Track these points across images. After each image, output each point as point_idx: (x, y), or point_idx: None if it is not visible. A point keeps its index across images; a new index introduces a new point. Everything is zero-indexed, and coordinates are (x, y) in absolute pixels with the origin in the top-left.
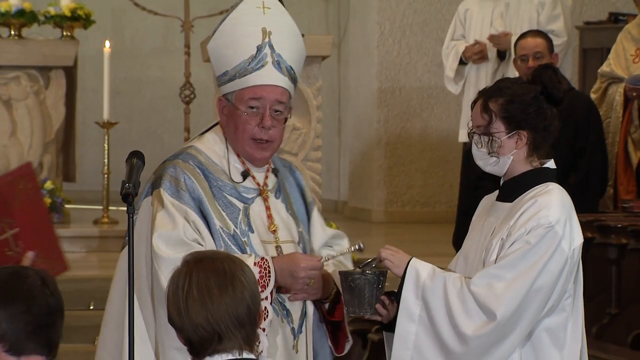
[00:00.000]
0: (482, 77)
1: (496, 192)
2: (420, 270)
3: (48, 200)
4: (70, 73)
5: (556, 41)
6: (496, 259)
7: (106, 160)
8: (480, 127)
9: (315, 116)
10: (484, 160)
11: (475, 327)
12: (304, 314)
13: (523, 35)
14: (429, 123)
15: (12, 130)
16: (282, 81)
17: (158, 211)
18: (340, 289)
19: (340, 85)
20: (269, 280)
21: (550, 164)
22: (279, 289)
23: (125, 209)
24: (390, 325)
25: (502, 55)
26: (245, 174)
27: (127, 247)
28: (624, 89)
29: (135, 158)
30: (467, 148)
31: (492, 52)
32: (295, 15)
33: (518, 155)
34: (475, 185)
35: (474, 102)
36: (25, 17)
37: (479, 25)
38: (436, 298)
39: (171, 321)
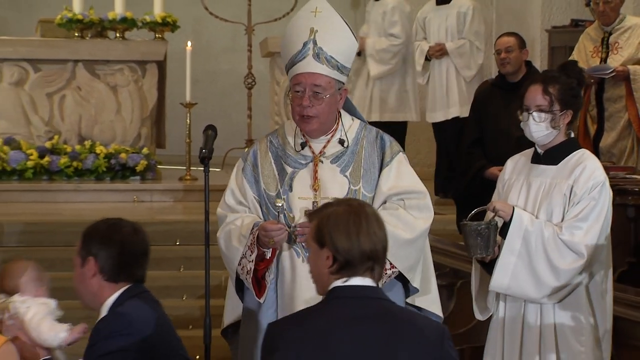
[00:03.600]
0: (443, 70)
1: (520, 155)
2: (523, 217)
3: (144, 162)
4: (161, 66)
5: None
6: (564, 210)
7: (188, 132)
8: (542, 106)
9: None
10: (538, 131)
11: (566, 263)
12: None
13: (500, 36)
14: None
15: (118, 109)
16: (319, 68)
17: None
18: (467, 237)
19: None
20: (254, 247)
21: (573, 134)
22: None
23: (202, 168)
24: (488, 264)
25: (428, 59)
26: (303, 144)
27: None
28: None
29: (210, 130)
30: (455, 126)
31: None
32: None
33: (562, 129)
34: (468, 150)
35: (526, 87)
36: (127, 23)
37: (436, 30)
38: (535, 239)
39: (334, 244)
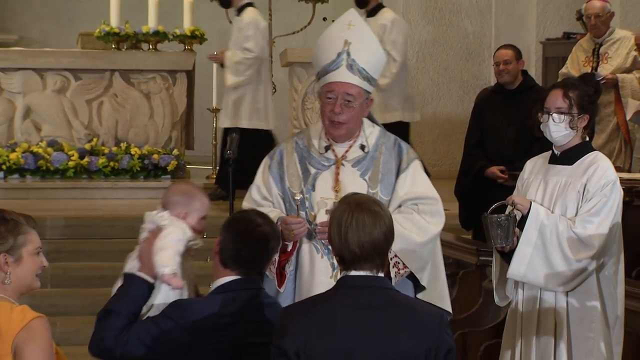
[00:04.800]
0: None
1: (538, 157)
2: (539, 211)
3: (175, 162)
4: (190, 75)
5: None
6: (578, 206)
7: (214, 135)
8: (562, 108)
9: None
10: (557, 132)
11: (579, 254)
12: None
13: (498, 48)
14: (437, 108)
15: (151, 114)
16: (352, 79)
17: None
18: (488, 229)
19: None
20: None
21: (586, 137)
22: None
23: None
24: (507, 254)
25: (222, 65)
26: (327, 148)
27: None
28: None
29: (234, 133)
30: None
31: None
32: None
33: (579, 131)
34: (470, 152)
35: (548, 91)
36: (159, 36)
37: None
38: (550, 232)
39: (331, 241)
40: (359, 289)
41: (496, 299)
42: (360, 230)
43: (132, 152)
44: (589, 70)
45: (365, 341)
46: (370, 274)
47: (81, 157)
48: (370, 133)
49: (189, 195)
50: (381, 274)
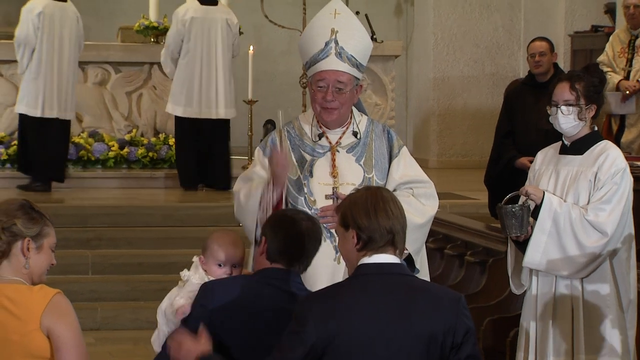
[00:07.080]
0: None
1: (549, 148)
2: (553, 200)
3: None
4: None
5: None
6: (589, 194)
7: (250, 126)
8: (569, 100)
9: (390, 96)
10: (567, 123)
11: (592, 241)
12: None
13: (533, 40)
14: (467, 100)
15: None
16: (342, 66)
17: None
18: (503, 219)
19: (407, 75)
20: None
21: (596, 127)
22: None
23: None
24: (522, 243)
25: None
26: (320, 135)
27: None
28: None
29: (269, 124)
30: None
31: None
32: (376, 28)
33: (587, 122)
34: (500, 142)
35: (555, 84)
36: None
37: None
38: (564, 220)
39: (356, 223)
40: (376, 276)
41: (512, 288)
42: (390, 215)
43: (170, 143)
44: (624, 62)
45: (384, 327)
46: (393, 261)
47: (121, 148)
48: (360, 121)
49: (210, 239)
50: (400, 261)
